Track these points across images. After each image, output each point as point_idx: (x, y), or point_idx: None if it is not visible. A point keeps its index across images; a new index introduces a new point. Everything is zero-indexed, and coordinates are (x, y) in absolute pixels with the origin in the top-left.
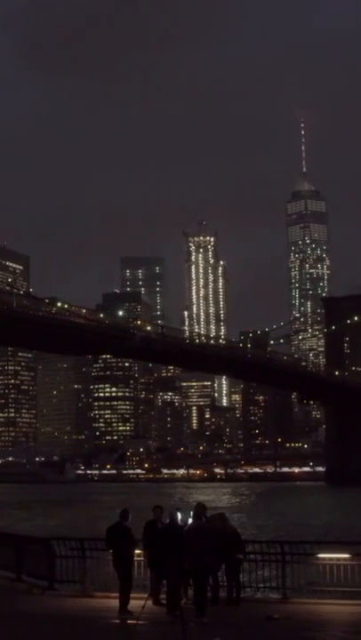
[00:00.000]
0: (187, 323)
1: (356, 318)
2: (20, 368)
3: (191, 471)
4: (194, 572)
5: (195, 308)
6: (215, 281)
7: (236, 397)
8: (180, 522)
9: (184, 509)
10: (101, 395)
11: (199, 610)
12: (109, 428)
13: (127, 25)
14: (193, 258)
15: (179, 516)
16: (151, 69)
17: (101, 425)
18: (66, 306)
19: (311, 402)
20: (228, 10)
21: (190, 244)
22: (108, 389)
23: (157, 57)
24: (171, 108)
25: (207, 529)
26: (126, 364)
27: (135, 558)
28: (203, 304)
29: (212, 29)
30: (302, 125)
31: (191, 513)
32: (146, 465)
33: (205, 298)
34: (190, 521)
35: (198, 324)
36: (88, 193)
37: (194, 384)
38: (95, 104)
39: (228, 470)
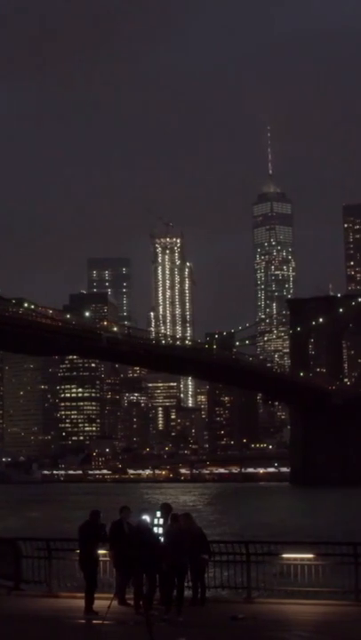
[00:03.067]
0: (153, 324)
1: (321, 320)
2: None
3: (157, 472)
4: (173, 573)
5: (161, 309)
6: (181, 282)
7: (202, 398)
8: (147, 522)
9: (150, 510)
10: (68, 395)
11: (178, 608)
12: (76, 429)
13: (85, 24)
14: (159, 259)
15: (147, 517)
16: (114, 70)
17: (68, 425)
18: (33, 307)
19: (276, 403)
20: (186, 10)
21: (157, 246)
22: (74, 390)
23: (120, 57)
24: (135, 109)
25: (184, 530)
26: (93, 365)
27: (101, 558)
28: (169, 305)
29: (169, 30)
30: (269, 128)
31: (158, 513)
32: (112, 465)
33: (172, 299)
34: (156, 521)
35: (164, 324)
36: (55, 193)
37: (160, 385)
38: (60, 104)
39: (194, 471)
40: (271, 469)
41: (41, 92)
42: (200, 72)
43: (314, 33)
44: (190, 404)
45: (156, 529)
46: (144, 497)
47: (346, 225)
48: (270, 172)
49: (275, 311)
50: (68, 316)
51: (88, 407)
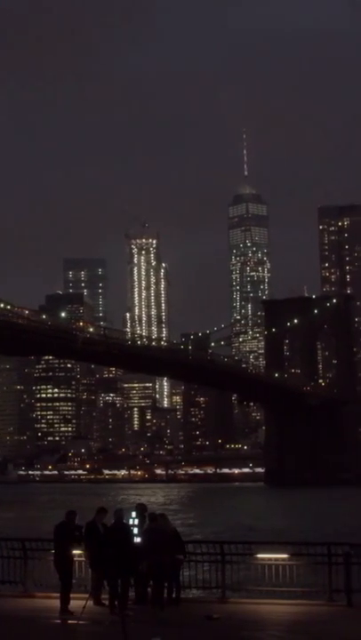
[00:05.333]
0: (129, 324)
1: (295, 321)
2: None
3: (132, 472)
4: (152, 572)
5: (137, 310)
6: (157, 283)
7: (177, 399)
8: (122, 522)
9: (126, 510)
10: (43, 396)
11: (157, 604)
12: (51, 429)
13: (50, 24)
14: (135, 260)
15: (124, 517)
16: (86, 69)
17: (43, 426)
18: (9, 307)
19: (251, 403)
20: (158, 9)
21: (132, 246)
22: (50, 390)
23: (93, 57)
24: (109, 109)
25: (163, 530)
26: (68, 365)
27: (76, 558)
28: (145, 306)
29: (142, 29)
30: (244, 129)
31: (133, 513)
32: (87, 466)
33: (147, 300)
34: (131, 521)
35: (140, 325)
36: (30, 193)
37: (135, 385)
38: (34, 104)
39: (169, 471)
40: (246, 470)
41: (13, 91)
42: (175, 72)
43: (289, 33)
44: (166, 405)
45: (132, 529)
46: (120, 497)
47: (321, 227)
48: (246, 173)
49: (250, 312)
50: (44, 316)
51: (64, 407)
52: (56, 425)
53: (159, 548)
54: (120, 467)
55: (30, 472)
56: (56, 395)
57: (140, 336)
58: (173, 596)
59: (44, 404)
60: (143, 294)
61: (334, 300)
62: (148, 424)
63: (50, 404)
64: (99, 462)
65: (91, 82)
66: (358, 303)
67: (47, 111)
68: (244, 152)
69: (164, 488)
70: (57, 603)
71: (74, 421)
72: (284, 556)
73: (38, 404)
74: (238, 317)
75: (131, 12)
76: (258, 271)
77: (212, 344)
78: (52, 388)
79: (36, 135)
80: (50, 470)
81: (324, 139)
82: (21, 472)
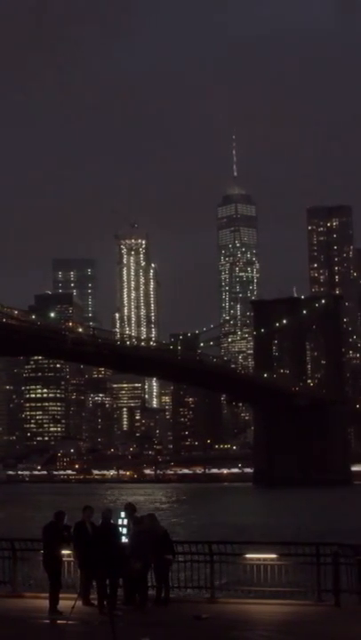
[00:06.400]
0: (118, 325)
1: (284, 321)
2: None
3: (121, 472)
4: (142, 573)
5: (126, 310)
6: (146, 283)
7: (167, 399)
8: (110, 522)
9: (114, 510)
10: (33, 396)
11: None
12: (40, 429)
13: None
14: (124, 260)
15: (112, 516)
16: (73, 70)
17: (32, 426)
18: None
19: (240, 404)
20: (146, 10)
21: (122, 247)
22: (39, 390)
23: (80, 58)
24: (99, 110)
25: (150, 531)
26: (58, 366)
27: (65, 559)
28: (134, 306)
29: (130, 30)
30: (234, 129)
31: (122, 514)
32: (76, 466)
33: (136, 300)
34: (120, 521)
35: (129, 326)
36: (19, 193)
37: (124, 385)
38: (26, 104)
39: (158, 471)
40: (235, 470)
41: (12, 91)
42: (164, 72)
43: (289, 33)
44: (155, 405)
45: (120, 529)
46: (109, 497)
47: (310, 227)
48: (235, 174)
49: (239, 312)
50: (34, 316)
51: (53, 408)
52: (45, 425)
53: (146, 549)
54: (109, 467)
55: (19, 472)
56: (45, 395)
57: (130, 336)
58: (162, 596)
59: (33, 405)
60: (132, 294)
61: (323, 301)
62: (137, 424)
63: (39, 405)
64: (88, 462)
65: (90, 82)
66: (347, 304)
67: (48, 111)
68: (234, 152)
69: (152, 488)
70: (46, 603)
71: (63, 421)
72: (273, 556)
73: (27, 405)
74: (227, 318)
75: (130, 12)
76: (247, 272)
77: (202, 344)
78: (42, 389)
79: (24, 135)
80: (39, 470)
81: (318, 139)
82: (10, 472)
